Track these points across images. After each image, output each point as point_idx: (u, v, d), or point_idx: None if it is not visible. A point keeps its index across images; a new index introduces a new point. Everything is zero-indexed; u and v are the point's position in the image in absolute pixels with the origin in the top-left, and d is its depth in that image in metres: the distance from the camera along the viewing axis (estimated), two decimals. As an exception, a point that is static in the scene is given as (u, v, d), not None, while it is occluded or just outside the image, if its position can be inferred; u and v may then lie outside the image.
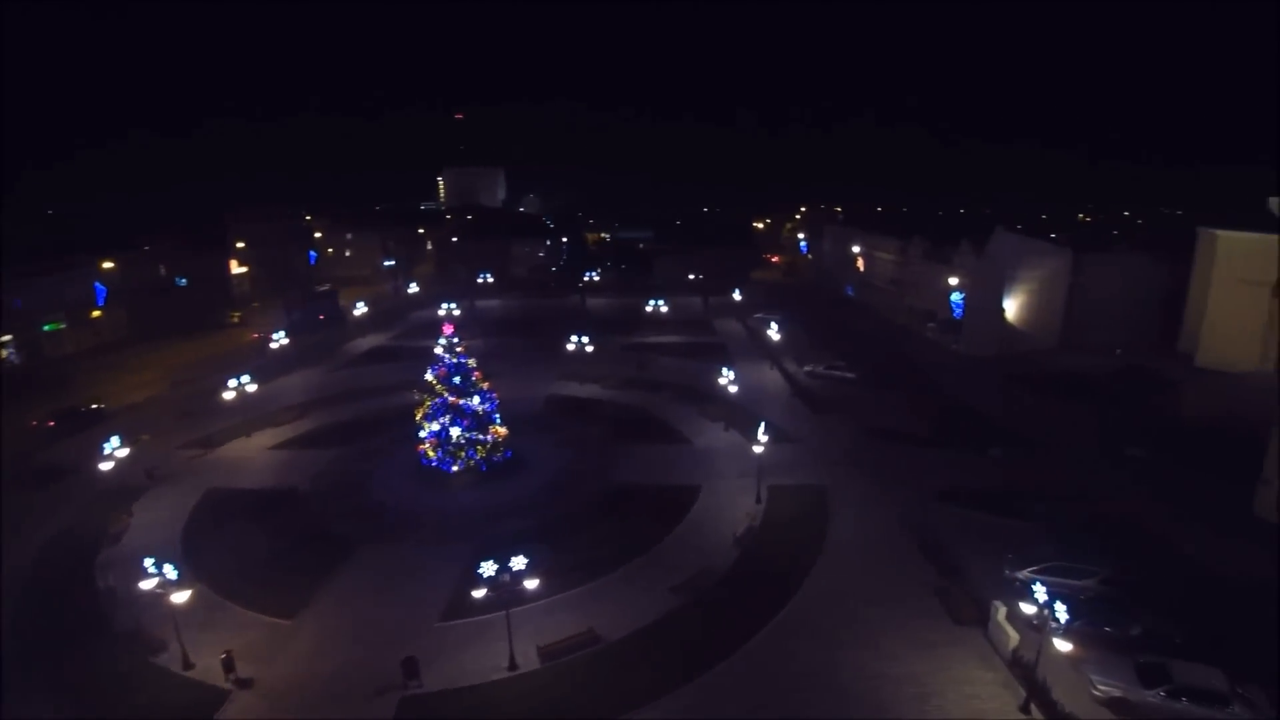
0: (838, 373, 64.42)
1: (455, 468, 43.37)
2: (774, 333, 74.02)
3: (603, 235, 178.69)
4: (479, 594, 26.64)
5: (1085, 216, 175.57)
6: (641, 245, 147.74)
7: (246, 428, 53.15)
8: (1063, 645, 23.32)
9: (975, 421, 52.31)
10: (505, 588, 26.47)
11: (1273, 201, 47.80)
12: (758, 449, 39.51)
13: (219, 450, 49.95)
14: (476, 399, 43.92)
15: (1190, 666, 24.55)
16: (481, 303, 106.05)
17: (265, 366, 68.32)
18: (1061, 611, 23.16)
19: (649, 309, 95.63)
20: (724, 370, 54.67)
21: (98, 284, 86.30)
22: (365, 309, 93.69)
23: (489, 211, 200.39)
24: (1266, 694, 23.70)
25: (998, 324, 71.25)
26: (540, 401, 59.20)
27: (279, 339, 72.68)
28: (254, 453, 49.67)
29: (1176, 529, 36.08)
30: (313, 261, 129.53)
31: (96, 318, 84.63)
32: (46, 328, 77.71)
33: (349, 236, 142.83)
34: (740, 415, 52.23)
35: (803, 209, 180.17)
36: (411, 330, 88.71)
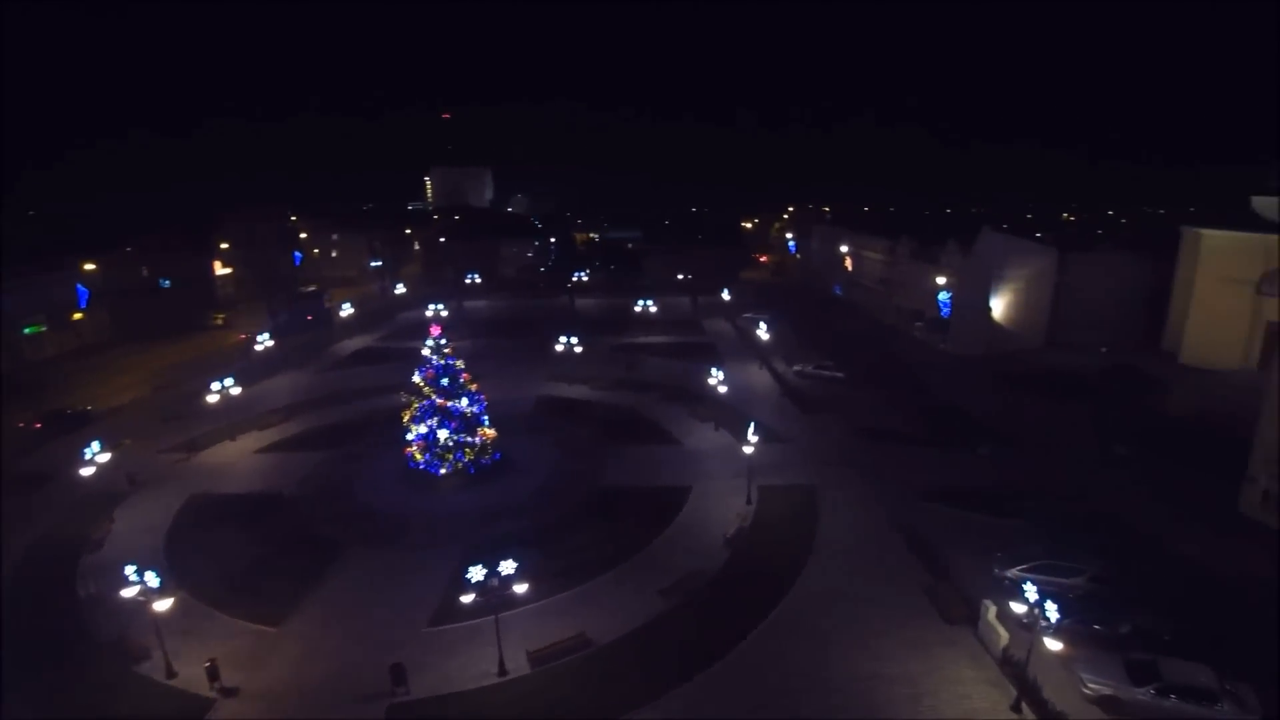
0: (826, 372, 64.58)
1: (443, 470, 43.01)
2: (763, 332, 74.06)
3: (591, 235, 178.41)
4: (467, 599, 26.35)
5: (1069, 216, 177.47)
6: (630, 245, 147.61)
7: (231, 431, 52.43)
8: (1053, 644, 23.37)
9: (964, 420, 52.57)
10: (494, 592, 26.20)
11: (1255, 200, 48.41)
12: (747, 449, 39.46)
13: (203, 454, 49.19)
14: (464, 401, 43.58)
15: (1179, 664, 24.70)
16: (469, 303, 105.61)
17: (250, 369, 67.52)
18: (1051, 610, 23.22)
19: (638, 309, 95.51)
20: (713, 370, 54.56)
21: (79, 286, 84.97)
22: (352, 310, 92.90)
23: (477, 211, 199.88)
24: (1255, 691, 23.86)
25: (985, 323, 71.67)
26: (529, 403, 58.85)
27: (264, 341, 71.92)
28: (238, 456, 48.99)
29: (1164, 526, 36.35)
30: (298, 262, 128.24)
31: (78, 320, 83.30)
32: (27, 330, 76.46)
33: (335, 237, 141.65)
34: (730, 415, 52.16)
35: (790, 209, 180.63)
36: (399, 331, 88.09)
